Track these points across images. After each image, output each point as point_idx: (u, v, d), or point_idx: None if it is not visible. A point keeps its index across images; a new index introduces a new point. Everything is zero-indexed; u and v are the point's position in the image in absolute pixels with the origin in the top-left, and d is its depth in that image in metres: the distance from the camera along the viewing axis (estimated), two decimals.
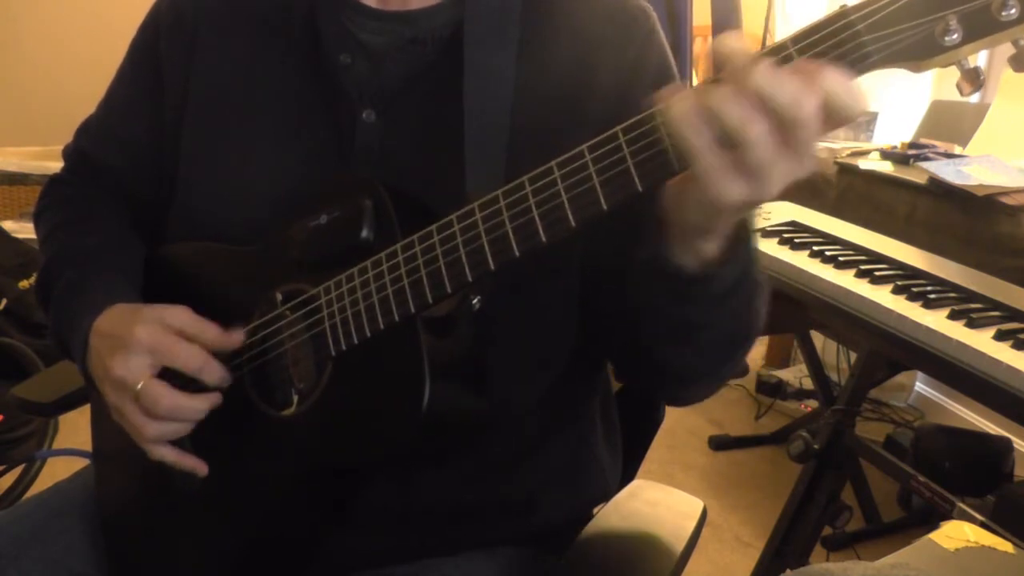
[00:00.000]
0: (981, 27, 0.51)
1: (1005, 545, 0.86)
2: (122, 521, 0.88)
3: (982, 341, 1.27)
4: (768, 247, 1.67)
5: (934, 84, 2.59)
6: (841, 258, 1.59)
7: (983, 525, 1.33)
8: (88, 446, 0.94)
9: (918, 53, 0.52)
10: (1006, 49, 0.53)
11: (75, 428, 2.06)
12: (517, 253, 0.62)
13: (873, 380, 2.06)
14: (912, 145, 2.15)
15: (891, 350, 1.50)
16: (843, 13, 0.52)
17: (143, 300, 0.83)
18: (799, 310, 1.62)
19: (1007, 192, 1.72)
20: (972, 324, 1.32)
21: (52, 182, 0.99)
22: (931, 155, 2.03)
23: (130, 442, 0.78)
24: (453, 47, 0.80)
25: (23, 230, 2.70)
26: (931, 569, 0.81)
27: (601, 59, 0.80)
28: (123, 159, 0.94)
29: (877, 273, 1.50)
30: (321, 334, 0.72)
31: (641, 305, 0.70)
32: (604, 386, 0.94)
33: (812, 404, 2.81)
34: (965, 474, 1.99)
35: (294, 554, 0.77)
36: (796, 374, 2.94)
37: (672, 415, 1.44)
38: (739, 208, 0.57)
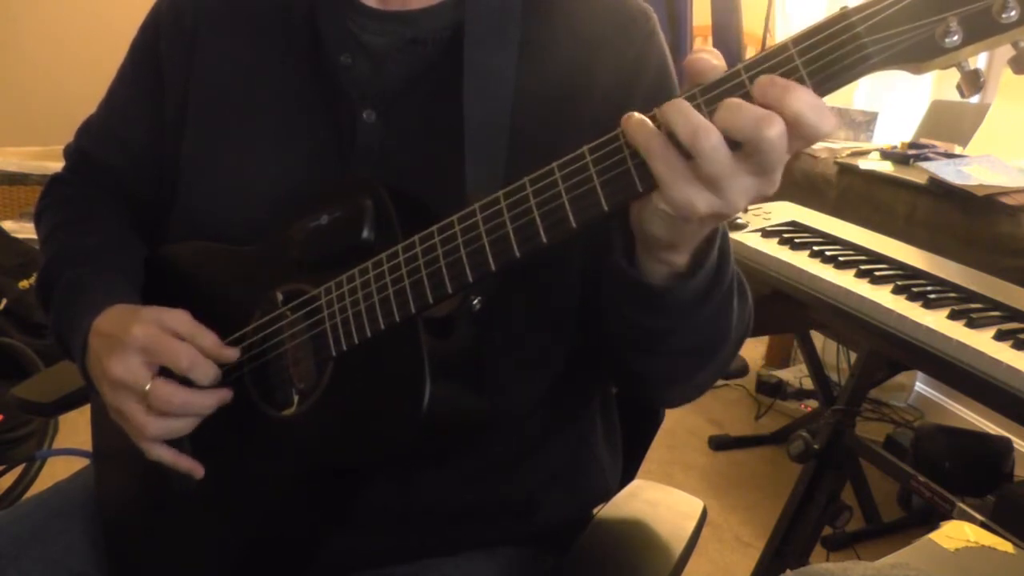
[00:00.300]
0: (981, 29, 0.51)
1: (1005, 545, 0.86)
2: (122, 521, 0.88)
3: (982, 341, 1.27)
4: (768, 247, 1.67)
5: (934, 84, 2.60)
6: (841, 258, 1.59)
7: (983, 525, 1.33)
8: (88, 446, 0.94)
9: (918, 55, 0.52)
10: (1006, 49, 0.53)
11: (75, 428, 2.06)
12: (518, 254, 0.62)
13: (873, 380, 2.06)
14: (912, 145, 2.16)
15: (891, 350, 1.50)
16: (844, 15, 0.53)
17: (143, 300, 0.83)
18: (799, 310, 1.63)
19: (1007, 192, 1.72)
20: (972, 324, 1.32)
21: (53, 182, 0.99)
22: (931, 155, 2.03)
23: (130, 442, 0.78)
24: (453, 48, 0.80)
25: (23, 230, 2.70)
26: (931, 569, 0.81)
27: (601, 60, 0.80)
28: (124, 159, 0.94)
29: (877, 273, 1.50)
30: (322, 334, 0.72)
31: (611, 313, 0.71)
32: (604, 386, 0.94)
33: (812, 404, 2.81)
34: (965, 474, 1.99)
35: (294, 554, 0.77)
36: (796, 374, 2.94)
37: (672, 415, 1.44)
38: (703, 220, 0.57)
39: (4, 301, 2.42)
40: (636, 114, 0.57)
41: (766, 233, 1.73)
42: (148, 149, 0.92)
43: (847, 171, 2.06)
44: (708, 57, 0.56)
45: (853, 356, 2.19)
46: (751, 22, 2.70)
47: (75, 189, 0.97)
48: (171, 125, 0.89)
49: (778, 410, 2.86)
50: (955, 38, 0.51)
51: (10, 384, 1.14)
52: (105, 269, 0.87)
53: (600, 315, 0.73)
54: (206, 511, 0.81)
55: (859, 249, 1.65)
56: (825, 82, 0.53)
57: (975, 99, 2.30)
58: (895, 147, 2.16)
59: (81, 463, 0.99)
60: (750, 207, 1.81)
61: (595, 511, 0.95)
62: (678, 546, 0.90)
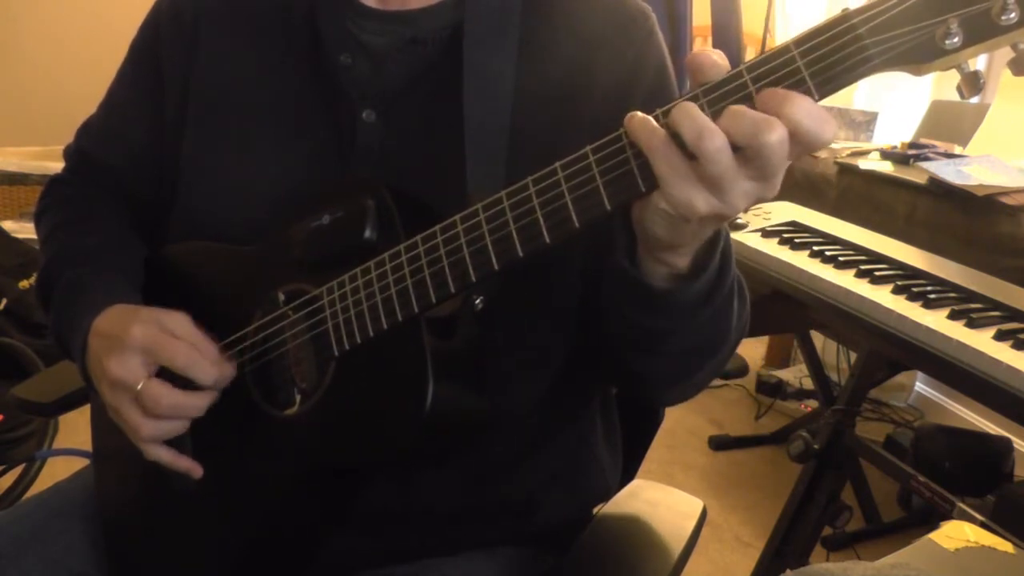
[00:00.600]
0: (981, 31, 0.51)
1: (1005, 545, 0.86)
2: (122, 521, 0.88)
3: (982, 341, 1.27)
4: (768, 247, 1.67)
5: (934, 84, 2.60)
6: (841, 258, 1.59)
7: (983, 525, 1.33)
8: (88, 446, 0.94)
9: (919, 56, 0.52)
10: (1006, 51, 0.53)
11: (75, 428, 2.06)
12: (521, 253, 0.62)
13: (873, 380, 2.07)
14: (912, 145, 2.15)
15: (891, 350, 1.50)
16: (845, 16, 0.53)
17: (144, 300, 0.83)
18: (799, 310, 1.63)
19: (1007, 192, 1.72)
20: (972, 324, 1.32)
21: (53, 182, 0.99)
22: (931, 155, 2.03)
23: (129, 442, 0.78)
24: (453, 47, 0.80)
25: (23, 230, 2.70)
26: (931, 569, 0.81)
27: (600, 60, 0.80)
28: (124, 159, 0.94)
29: (877, 273, 1.50)
30: (324, 334, 0.72)
31: (611, 313, 0.71)
32: (604, 386, 0.94)
33: (812, 404, 2.81)
34: (965, 474, 1.99)
35: (294, 554, 0.77)
36: (796, 374, 2.94)
37: (672, 415, 1.44)
38: (703, 220, 0.57)
39: (4, 301, 2.42)
40: (639, 113, 0.57)
41: (766, 233, 1.74)
42: (148, 149, 0.92)
43: (847, 171, 2.06)
44: (710, 54, 0.56)
45: (853, 356, 2.19)
46: (751, 22, 2.70)
47: (75, 189, 0.97)
48: (171, 125, 0.89)
49: (778, 410, 2.86)
50: (955, 40, 0.51)
51: (10, 384, 1.14)
52: (105, 269, 0.87)
53: (600, 315, 0.73)
54: (206, 511, 0.81)
55: (859, 249, 1.65)
56: (827, 83, 0.53)
57: (975, 99, 2.30)
58: (895, 147, 2.16)
59: (81, 463, 0.99)
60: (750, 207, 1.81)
61: (595, 511, 0.95)
62: (678, 546, 0.90)
